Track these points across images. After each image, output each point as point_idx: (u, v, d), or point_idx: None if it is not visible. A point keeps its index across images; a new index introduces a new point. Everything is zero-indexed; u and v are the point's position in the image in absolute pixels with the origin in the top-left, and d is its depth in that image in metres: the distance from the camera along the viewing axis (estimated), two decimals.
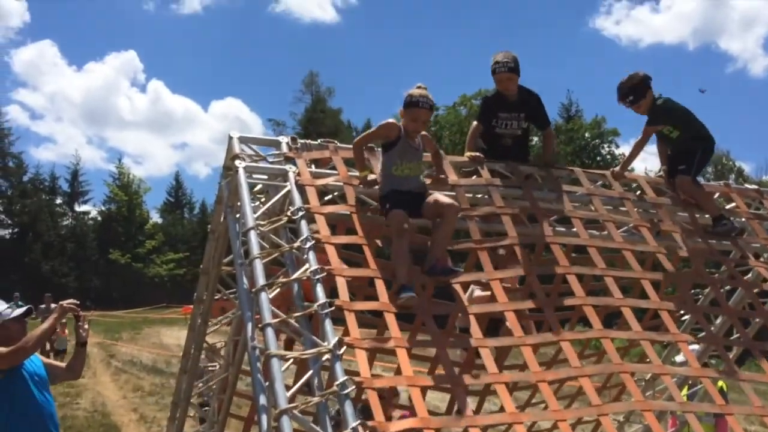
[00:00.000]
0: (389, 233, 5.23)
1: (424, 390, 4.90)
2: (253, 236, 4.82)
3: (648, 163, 56.18)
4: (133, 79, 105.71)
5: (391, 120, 5.45)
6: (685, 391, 7.94)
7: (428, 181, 5.74)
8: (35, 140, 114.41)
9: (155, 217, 73.04)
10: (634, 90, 6.45)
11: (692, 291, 6.44)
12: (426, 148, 5.62)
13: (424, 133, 5.55)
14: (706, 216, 6.71)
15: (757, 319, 6.48)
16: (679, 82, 79.17)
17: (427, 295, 5.43)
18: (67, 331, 19.04)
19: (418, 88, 5.42)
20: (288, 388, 4.40)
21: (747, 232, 6.61)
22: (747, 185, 7.47)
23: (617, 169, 6.72)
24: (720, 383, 7.69)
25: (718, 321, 7.32)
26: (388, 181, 5.32)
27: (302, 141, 5.65)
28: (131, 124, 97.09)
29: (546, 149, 6.81)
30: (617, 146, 51.43)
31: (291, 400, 4.15)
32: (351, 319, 4.67)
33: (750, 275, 6.96)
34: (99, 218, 70.12)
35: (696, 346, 7.27)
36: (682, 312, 6.57)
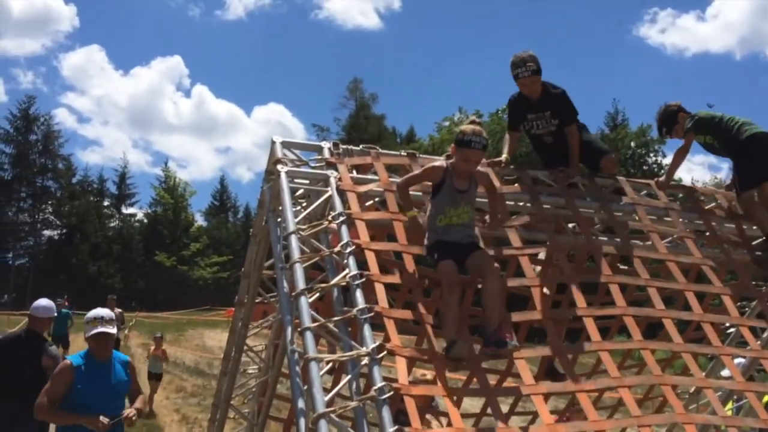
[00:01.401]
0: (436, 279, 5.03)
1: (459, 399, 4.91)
2: (293, 240, 4.86)
3: (695, 173, 55.23)
4: (178, 83, 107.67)
5: (436, 163, 5.11)
6: (729, 406, 7.78)
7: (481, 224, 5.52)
8: (82, 143, 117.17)
9: (200, 221, 74.07)
10: (665, 121, 6.68)
11: (738, 304, 6.31)
12: (481, 185, 5.24)
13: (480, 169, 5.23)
14: (754, 228, 6.59)
15: None
16: (726, 92, 77.83)
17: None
18: (162, 350, 16.58)
19: (472, 123, 5.11)
20: (327, 392, 4.44)
21: None
22: None
23: (662, 178, 6.63)
24: (766, 398, 7.53)
25: (765, 335, 7.16)
26: (433, 232, 5.03)
27: (344, 146, 5.68)
28: (176, 128, 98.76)
29: (570, 151, 6.32)
30: (663, 155, 50.74)
31: (329, 404, 4.17)
32: (391, 326, 4.68)
33: None
34: (145, 220, 71.37)
35: (742, 360, 7.13)
36: (727, 325, 6.45)
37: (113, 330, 5.91)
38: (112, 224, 71.16)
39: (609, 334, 7.02)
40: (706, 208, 6.55)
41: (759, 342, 6.86)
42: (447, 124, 53.90)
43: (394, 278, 5.23)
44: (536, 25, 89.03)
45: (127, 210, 72.68)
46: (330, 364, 4.61)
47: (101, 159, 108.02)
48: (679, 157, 6.69)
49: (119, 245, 66.54)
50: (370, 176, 5.66)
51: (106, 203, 72.18)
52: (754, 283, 6.39)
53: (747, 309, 7.04)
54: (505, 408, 5.31)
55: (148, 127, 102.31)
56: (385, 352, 4.40)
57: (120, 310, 15.71)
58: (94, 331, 5.81)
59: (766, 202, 6.32)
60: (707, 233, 6.28)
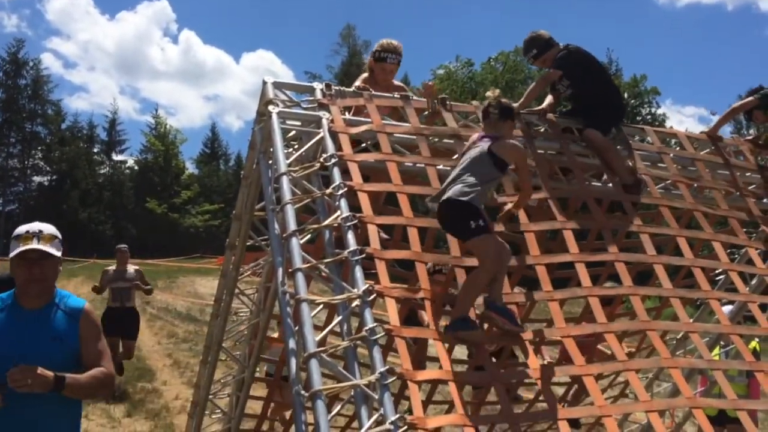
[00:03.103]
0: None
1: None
2: (285, 182, 4.82)
3: (686, 125, 55.13)
4: (165, 29, 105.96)
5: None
6: (716, 351, 7.86)
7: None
8: (69, 89, 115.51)
9: (191, 168, 73.71)
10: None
11: (728, 251, 6.33)
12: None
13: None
14: (747, 174, 6.58)
15: None
16: (717, 43, 77.11)
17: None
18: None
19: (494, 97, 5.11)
20: (319, 332, 4.45)
21: None
22: None
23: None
24: (753, 343, 7.61)
25: (754, 281, 7.20)
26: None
27: (336, 88, 5.60)
28: (164, 75, 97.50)
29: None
30: (658, 106, 50.62)
31: (320, 344, 4.18)
32: (381, 267, 4.67)
33: None
34: (136, 168, 70.97)
35: (730, 306, 7.19)
36: (717, 271, 6.49)
37: (53, 251, 3.73)
38: (102, 171, 70.80)
39: (599, 281, 7.06)
40: (700, 154, 6.53)
41: (748, 288, 6.91)
42: (442, 71, 53.41)
43: (388, 219, 5.21)
44: None
45: (117, 157, 72.20)
46: (321, 306, 4.61)
47: (88, 105, 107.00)
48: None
49: (110, 192, 66.34)
50: (363, 119, 5.60)
51: (95, 150, 71.65)
52: (744, 230, 6.41)
53: (737, 256, 7.07)
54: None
55: (136, 74, 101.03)
56: (375, 295, 4.41)
57: (137, 267, 12.28)
58: (17, 250, 3.69)
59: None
60: (700, 178, 6.27)
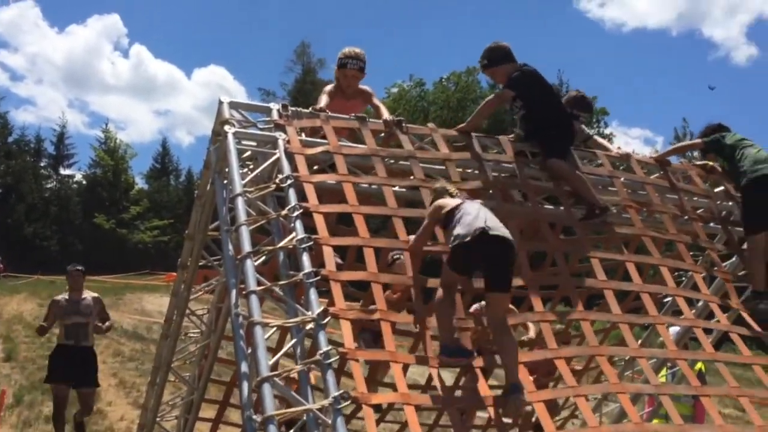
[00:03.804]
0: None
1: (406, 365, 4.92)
2: (240, 203, 4.78)
3: (633, 146, 56.38)
4: (116, 42, 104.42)
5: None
6: (664, 372, 8.00)
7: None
8: (15, 102, 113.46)
9: (141, 184, 72.61)
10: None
11: (675, 273, 6.46)
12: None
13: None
14: (695, 198, 6.74)
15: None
16: (662, 67, 79.07)
17: None
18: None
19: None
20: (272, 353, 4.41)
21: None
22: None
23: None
24: (699, 365, 7.77)
25: (699, 304, 7.35)
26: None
27: (293, 109, 5.59)
28: (114, 89, 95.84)
29: None
30: (606, 126, 51.63)
31: (273, 367, 4.14)
32: (336, 290, 4.66)
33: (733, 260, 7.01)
34: (84, 182, 69.63)
35: (677, 328, 7.33)
36: (664, 294, 6.60)
37: None
38: (49, 185, 69.25)
39: (552, 304, 7.14)
40: (650, 178, 6.65)
41: (693, 311, 7.05)
42: (396, 90, 53.71)
43: (343, 240, 5.19)
44: None
45: (65, 171, 70.72)
46: (274, 329, 4.57)
47: (35, 119, 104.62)
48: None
49: (56, 207, 64.88)
50: (319, 140, 5.59)
51: (43, 164, 70.12)
52: (691, 254, 6.55)
53: (684, 279, 7.22)
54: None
55: (85, 87, 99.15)
56: (329, 318, 4.38)
57: (96, 295, 9.64)
58: None
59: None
60: (649, 203, 6.39)
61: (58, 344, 9.37)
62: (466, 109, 46.45)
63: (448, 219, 4.75)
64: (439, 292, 4.79)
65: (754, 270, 6.24)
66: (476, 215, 4.58)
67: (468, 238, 4.43)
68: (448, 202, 4.84)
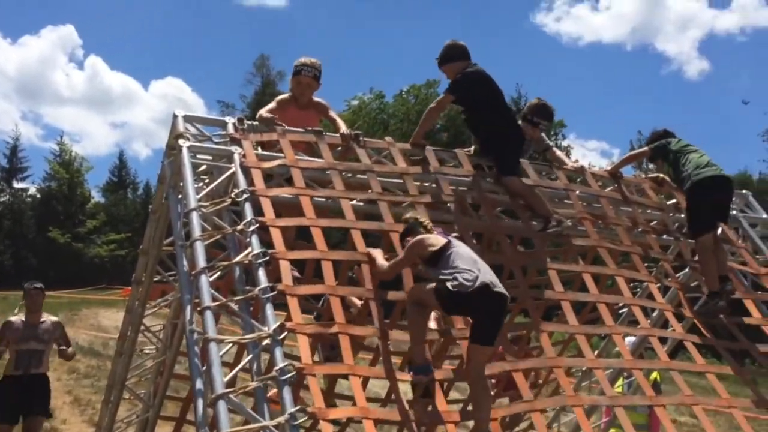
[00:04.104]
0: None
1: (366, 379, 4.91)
2: (194, 217, 4.73)
3: (590, 158, 57.22)
4: (70, 54, 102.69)
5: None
6: (620, 381, 8.09)
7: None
8: None
9: (97, 197, 71.49)
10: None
11: (631, 284, 6.53)
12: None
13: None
14: (648, 211, 6.84)
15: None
16: (618, 82, 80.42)
17: None
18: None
19: None
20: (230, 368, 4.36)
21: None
22: None
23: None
24: (654, 374, 7.88)
25: (654, 314, 7.46)
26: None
27: (249, 122, 5.56)
28: (68, 101, 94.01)
29: None
30: (564, 138, 52.27)
31: (229, 384, 4.09)
32: (294, 304, 4.63)
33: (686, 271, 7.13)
34: (38, 196, 68.35)
35: (633, 338, 7.43)
36: (620, 305, 6.68)
37: None
38: (2, 199, 67.86)
39: (511, 316, 7.18)
40: (605, 191, 6.74)
41: (649, 321, 7.15)
42: (356, 102, 53.75)
43: (301, 254, 5.16)
44: (441, 7, 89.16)
45: (18, 185, 69.32)
46: (231, 345, 4.52)
47: None
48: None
49: (9, 221, 63.53)
50: (275, 153, 5.56)
51: None
52: (645, 265, 6.64)
53: (639, 289, 7.32)
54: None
55: (39, 99, 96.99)
56: (286, 333, 4.35)
57: (56, 319, 8.43)
58: None
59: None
60: (604, 215, 6.47)
61: (5, 375, 8.01)
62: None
63: (435, 258, 4.63)
64: (414, 310, 4.75)
65: (706, 271, 6.30)
66: (474, 262, 4.55)
67: (470, 289, 4.37)
68: (435, 241, 4.69)
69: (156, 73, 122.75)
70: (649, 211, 6.88)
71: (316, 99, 6.35)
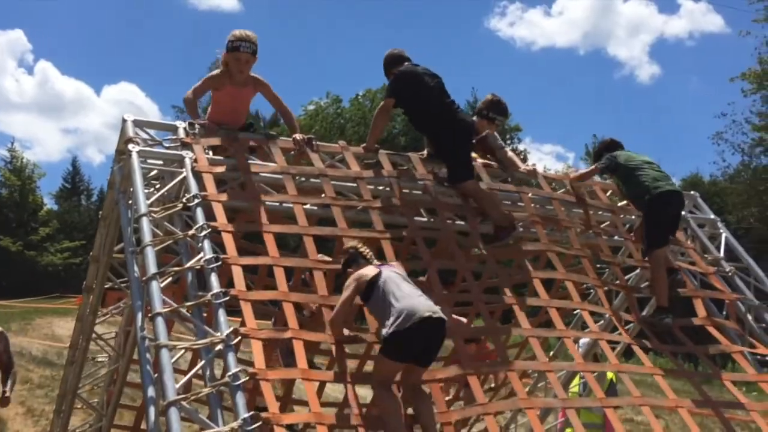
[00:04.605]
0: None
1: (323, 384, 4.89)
2: (145, 223, 4.68)
3: (545, 162, 57.72)
4: (20, 59, 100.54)
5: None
6: (576, 381, 8.19)
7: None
8: None
9: (50, 204, 70.19)
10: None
11: (584, 286, 6.61)
12: None
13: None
14: (599, 213, 6.93)
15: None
16: (572, 86, 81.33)
17: None
18: None
19: None
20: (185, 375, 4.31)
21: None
22: None
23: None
24: (610, 375, 7.98)
25: (606, 317, 7.57)
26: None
27: (200, 125, 5.51)
28: (19, 107, 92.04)
29: None
30: (519, 141, 52.74)
31: (185, 388, 4.06)
32: (247, 309, 4.61)
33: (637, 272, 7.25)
34: None
35: (586, 339, 7.51)
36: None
37: None
38: None
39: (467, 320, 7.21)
40: (557, 193, 6.82)
41: (602, 322, 7.26)
42: (312, 107, 53.60)
43: (253, 260, 5.14)
44: (393, 12, 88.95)
45: None
46: (183, 351, 4.47)
47: None
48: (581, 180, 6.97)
49: None
50: (227, 158, 5.53)
51: None
52: (598, 266, 6.74)
53: (591, 291, 7.43)
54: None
55: None
56: (240, 338, 4.32)
57: (1, 329, 8.37)
58: None
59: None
60: (556, 218, 6.55)
61: None
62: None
63: (368, 290, 4.58)
64: (378, 394, 4.60)
65: (657, 287, 6.36)
66: (406, 294, 4.47)
67: (408, 325, 4.30)
68: (366, 273, 4.64)
69: (109, 78, 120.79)
70: (600, 212, 6.97)
71: (254, 75, 5.99)
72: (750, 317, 6.58)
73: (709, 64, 76.47)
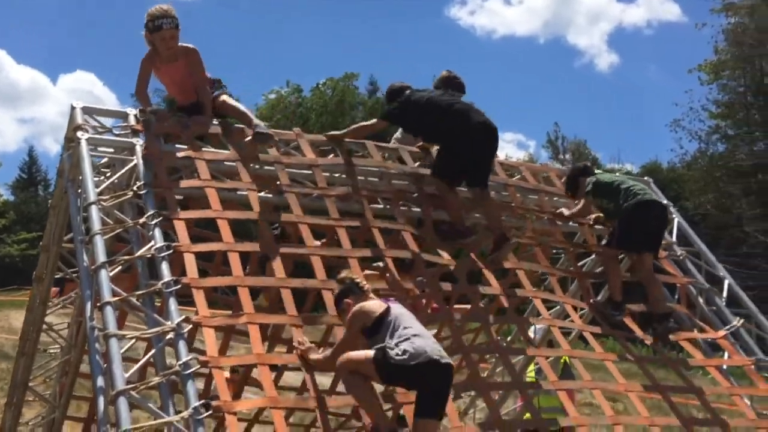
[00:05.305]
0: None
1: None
2: (94, 211, 4.62)
3: (506, 150, 58.05)
4: None
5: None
6: (532, 366, 8.28)
7: None
8: None
9: (6, 195, 68.89)
10: (569, 186, 6.75)
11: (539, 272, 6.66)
12: None
13: None
14: (555, 198, 6.98)
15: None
16: (532, 75, 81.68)
17: None
18: None
19: None
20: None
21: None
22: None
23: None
24: (564, 358, 8.09)
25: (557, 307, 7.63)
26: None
27: (151, 109, 5.45)
28: None
29: None
30: None
31: (139, 377, 4.02)
32: (200, 297, 4.57)
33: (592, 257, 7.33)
34: None
35: (541, 326, 7.59)
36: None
37: None
38: None
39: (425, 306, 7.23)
40: (512, 180, 6.86)
41: (556, 308, 7.33)
42: (273, 96, 53.20)
43: (206, 247, 5.09)
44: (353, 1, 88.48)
45: None
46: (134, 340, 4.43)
47: None
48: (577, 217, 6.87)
49: None
50: (178, 145, 5.46)
51: None
52: (554, 251, 6.81)
53: (547, 278, 7.50)
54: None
55: None
56: (190, 326, 4.29)
57: None
58: None
59: (644, 270, 6.32)
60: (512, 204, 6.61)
61: None
62: (346, 114, 46.49)
63: (376, 326, 4.29)
64: (350, 379, 4.29)
65: (611, 281, 6.45)
66: (418, 332, 4.23)
67: (415, 362, 4.04)
68: (375, 307, 4.36)
69: (65, 67, 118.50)
70: (555, 198, 7.02)
71: (183, 45, 5.76)
72: (701, 300, 6.69)
73: (667, 53, 77.31)
